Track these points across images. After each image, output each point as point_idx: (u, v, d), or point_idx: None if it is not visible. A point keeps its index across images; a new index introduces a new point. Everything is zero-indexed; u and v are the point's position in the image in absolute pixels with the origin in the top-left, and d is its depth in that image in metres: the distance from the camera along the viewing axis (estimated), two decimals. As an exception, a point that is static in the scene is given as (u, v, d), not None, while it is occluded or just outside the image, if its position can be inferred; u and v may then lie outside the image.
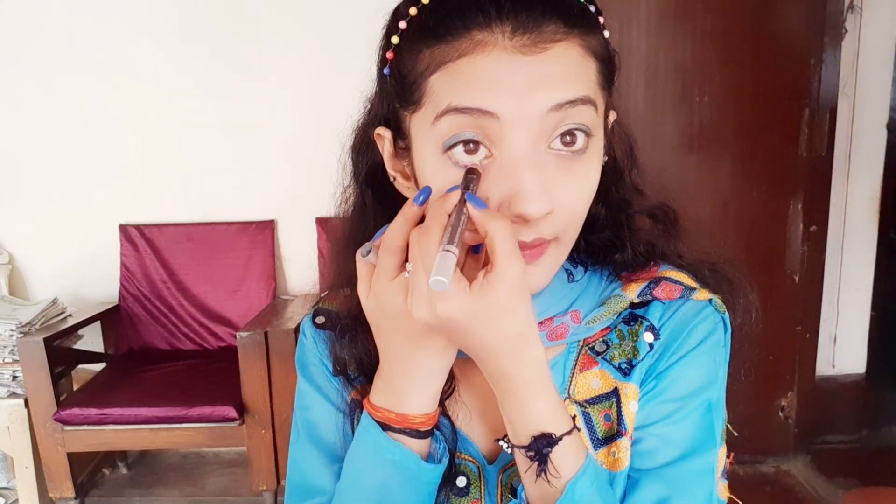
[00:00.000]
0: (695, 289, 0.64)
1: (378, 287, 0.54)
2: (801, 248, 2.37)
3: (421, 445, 0.59)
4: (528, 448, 0.54)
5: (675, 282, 0.64)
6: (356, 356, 0.66)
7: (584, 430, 0.62)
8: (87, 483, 2.44)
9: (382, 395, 0.59)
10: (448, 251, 0.46)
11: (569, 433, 0.54)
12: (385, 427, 0.58)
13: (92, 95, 2.58)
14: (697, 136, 2.32)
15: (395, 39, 0.55)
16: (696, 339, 0.62)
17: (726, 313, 0.65)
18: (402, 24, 0.55)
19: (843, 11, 2.29)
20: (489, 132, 0.51)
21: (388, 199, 0.64)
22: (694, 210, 2.30)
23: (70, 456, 2.16)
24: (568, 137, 0.53)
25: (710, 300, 0.64)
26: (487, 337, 0.50)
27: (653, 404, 0.61)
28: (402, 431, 0.58)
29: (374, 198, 0.66)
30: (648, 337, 0.63)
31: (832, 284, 2.51)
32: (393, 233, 0.53)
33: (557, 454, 0.53)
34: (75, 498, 2.22)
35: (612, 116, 0.62)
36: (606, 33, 0.56)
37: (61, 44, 2.54)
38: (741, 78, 2.27)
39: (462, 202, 0.50)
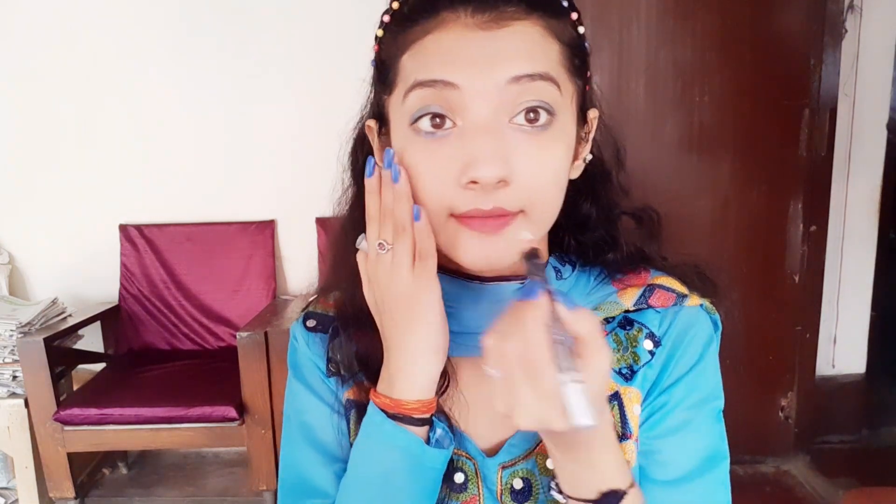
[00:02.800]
0: (686, 295, 0.65)
1: (370, 268, 0.60)
2: (801, 248, 2.37)
3: (417, 433, 0.59)
4: (596, 503, 0.55)
5: (668, 289, 0.65)
6: (356, 352, 0.66)
7: None
8: (87, 483, 2.43)
9: (383, 381, 0.60)
10: (578, 382, 0.44)
11: (633, 485, 0.55)
12: (385, 414, 0.59)
13: (92, 95, 2.59)
14: (697, 136, 2.32)
15: (379, 32, 0.59)
16: (698, 348, 0.64)
17: (716, 314, 0.66)
18: (386, 18, 0.58)
19: (843, 11, 2.29)
20: (452, 103, 0.54)
21: None
22: (694, 210, 2.31)
23: (70, 456, 2.16)
24: (532, 115, 0.54)
25: (702, 305, 0.65)
26: None
27: (665, 415, 0.62)
28: (395, 416, 0.58)
29: None
30: (648, 345, 0.64)
31: (832, 284, 2.50)
32: (367, 207, 0.59)
33: None
34: (75, 498, 2.22)
35: (594, 114, 0.63)
36: (581, 29, 0.58)
37: (61, 44, 2.55)
38: (741, 78, 2.27)
39: (550, 300, 0.47)
